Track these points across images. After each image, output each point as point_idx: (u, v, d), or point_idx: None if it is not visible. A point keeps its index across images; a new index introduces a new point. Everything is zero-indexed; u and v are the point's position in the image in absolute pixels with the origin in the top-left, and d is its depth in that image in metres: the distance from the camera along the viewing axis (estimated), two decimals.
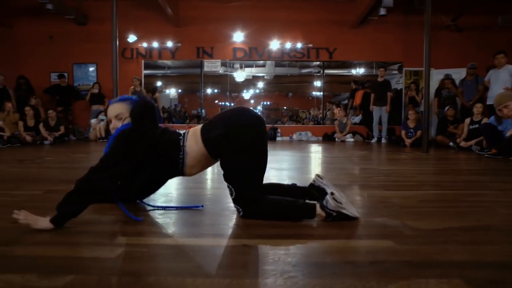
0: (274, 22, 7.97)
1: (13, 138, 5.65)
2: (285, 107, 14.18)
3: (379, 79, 7.24)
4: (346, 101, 11.15)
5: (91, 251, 1.10)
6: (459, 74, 7.48)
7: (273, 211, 1.43)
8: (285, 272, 0.94)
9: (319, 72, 9.70)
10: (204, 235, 1.29)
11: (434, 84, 7.43)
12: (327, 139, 7.91)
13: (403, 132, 6.26)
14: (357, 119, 8.20)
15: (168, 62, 10.15)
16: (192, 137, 1.46)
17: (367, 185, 2.33)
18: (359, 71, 10.16)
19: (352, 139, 7.59)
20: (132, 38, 7.90)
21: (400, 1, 7.36)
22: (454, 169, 3.33)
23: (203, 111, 11.89)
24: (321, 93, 10.08)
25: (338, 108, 9.65)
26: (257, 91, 13.75)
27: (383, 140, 7.21)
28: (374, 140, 7.29)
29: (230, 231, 1.35)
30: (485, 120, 5.03)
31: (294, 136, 8.09)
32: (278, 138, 8.01)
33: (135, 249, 1.13)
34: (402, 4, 7.61)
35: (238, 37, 8.01)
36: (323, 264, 1.01)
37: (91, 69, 8.29)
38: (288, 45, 8.04)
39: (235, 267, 1.01)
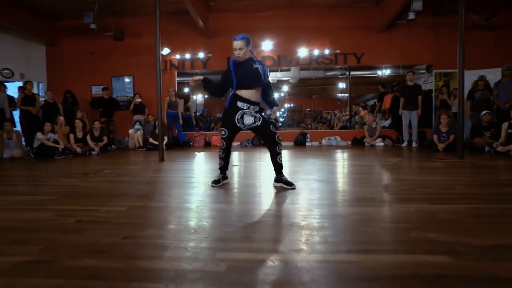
0: (301, 30, 8.14)
1: (66, 150, 6.17)
2: (308, 109, 14.30)
3: (409, 83, 7.22)
4: (371, 102, 11.12)
5: None
6: (494, 74, 7.32)
7: None
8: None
9: (343, 74, 9.75)
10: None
11: (467, 86, 7.34)
12: (357, 144, 7.94)
13: (435, 137, 6.23)
14: (386, 123, 8.19)
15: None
16: None
17: (412, 199, 2.47)
18: (385, 72, 10.13)
19: (382, 144, 7.61)
20: (166, 50, 8.34)
21: (429, 3, 7.31)
22: (494, 179, 3.36)
23: None
24: (345, 94, 10.19)
25: (365, 111, 9.66)
26: (282, 94, 13.96)
27: (414, 144, 7.19)
28: (404, 144, 7.27)
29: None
30: None
31: (324, 141, 8.19)
32: (308, 143, 8.14)
33: None
34: (431, 6, 7.55)
35: (267, 45, 8.24)
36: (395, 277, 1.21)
37: (127, 80, 8.82)
38: (316, 52, 8.19)
39: None
